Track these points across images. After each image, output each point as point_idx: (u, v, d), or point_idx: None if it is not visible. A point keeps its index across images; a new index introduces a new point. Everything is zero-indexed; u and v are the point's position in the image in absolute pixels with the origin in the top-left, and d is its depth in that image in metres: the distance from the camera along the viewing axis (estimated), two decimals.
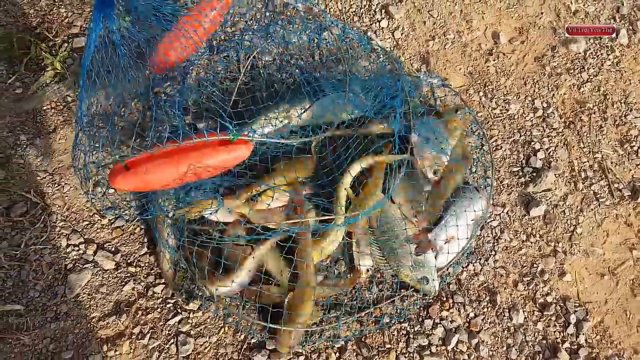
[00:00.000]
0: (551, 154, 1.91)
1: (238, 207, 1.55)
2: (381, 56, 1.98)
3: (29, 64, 1.92)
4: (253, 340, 1.57)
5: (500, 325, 1.63)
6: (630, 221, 1.82)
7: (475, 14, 2.19)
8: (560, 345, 1.61)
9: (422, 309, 1.64)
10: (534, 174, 1.87)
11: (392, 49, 2.09)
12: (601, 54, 2.13)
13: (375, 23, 2.13)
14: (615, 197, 1.85)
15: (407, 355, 1.56)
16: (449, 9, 2.19)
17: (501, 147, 1.93)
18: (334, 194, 1.59)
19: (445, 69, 2.08)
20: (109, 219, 1.72)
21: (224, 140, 1.35)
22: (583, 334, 1.63)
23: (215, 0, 1.60)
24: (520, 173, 1.88)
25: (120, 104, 1.64)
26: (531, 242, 1.77)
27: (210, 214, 1.54)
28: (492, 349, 1.60)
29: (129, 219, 1.72)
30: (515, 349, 1.60)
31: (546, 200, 1.83)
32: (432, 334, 1.59)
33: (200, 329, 1.58)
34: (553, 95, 2.04)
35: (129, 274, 1.65)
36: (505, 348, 1.60)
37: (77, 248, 1.67)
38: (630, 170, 1.91)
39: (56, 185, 1.75)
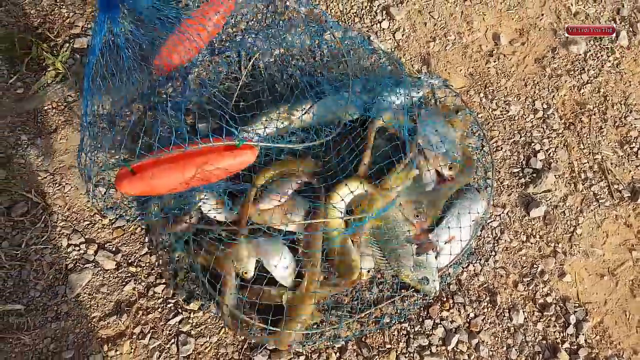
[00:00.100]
0: (551, 155, 1.92)
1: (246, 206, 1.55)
2: (382, 57, 1.99)
3: (30, 64, 1.93)
4: (253, 341, 1.57)
5: (500, 325, 1.64)
6: (630, 222, 1.82)
7: (475, 16, 2.20)
8: (560, 345, 1.62)
9: (422, 309, 1.64)
10: (534, 175, 1.87)
11: (393, 50, 2.09)
12: (601, 56, 2.13)
13: (376, 24, 2.14)
14: (615, 198, 1.86)
15: (407, 355, 1.57)
16: (450, 11, 2.20)
17: (501, 148, 1.93)
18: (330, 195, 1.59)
19: (445, 70, 2.08)
20: (109, 219, 1.73)
21: (230, 146, 1.36)
22: (583, 335, 1.63)
23: (219, 3, 1.61)
24: (521, 174, 1.89)
25: (124, 106, 1.65)
26: (531, 243, 1.77)
27: (216, 212, 1.54)
28: (492, 349, 1.60)
29: (130, 219, 1.72)
30: (515, 349, 1.60)
31: (546, 201, 1.84)
32: (433, 334, 1.60)
33: (201, 329, 1.59)
34: (553, 96, 2.04)
35: (129, 274, 1.65)
36: (505, 348, 1.61)
37: (77, 248, 1.67)
38: (630, 171, 1.91)
39: (57, 185, 1.76)
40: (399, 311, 1.61)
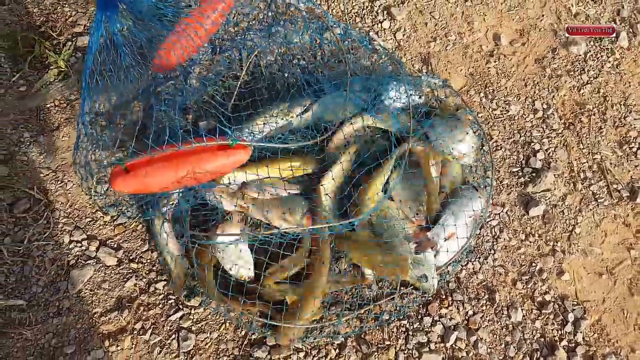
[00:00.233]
0: (551, 154, 1.93)
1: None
2: (383, 57, 2.00)
3: (33, 62, 1.94)
4: (254, 336, 1.58)
5: (499, 323, 1.65)
6: (629, 221, 1.83)
7: (476, 16, 2.21)
8: (558, 343, 1.63)
9: (421, 306, 1.65)
10: (534, 174, 1.88)
11: (393, 49, 2.11)
12: (601, 56, 2.14)
13: (377, 24, 2.15)
14: (613, 197, 1.87)
15: (406, 352, 1.58)
16: (451, 11, 2.21)
17: (501, 147, 1.94)
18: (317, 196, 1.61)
19: (446, 70, 2.09)
20: (111, 216, 1.74)
21: (223, 145, 1.37)
22: (581, 332, 1.64)
23: (217, 1, 1.61)
24: (520, 173, 1.89)
25: (122, 104, 1.66)
26: (530, 242, 1.78)
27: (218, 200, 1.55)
28: (490, 346, 1.61)
29: (131, 216, 1.73)
30: (514, 347, 1.61)
31: (545, 200, 1.84)
32: (431, 331, 1.61)
33: (202, 325, 1.60)
34: (553, 96, 2.05)
35: (131, 270, 1.66)
36: (503, 345, 1.61)
37: (79, 244, 1.68)
38: (629, 171, 1.92)
39: (59, 182, 1.77)
40: (398, 308, 1.62)
